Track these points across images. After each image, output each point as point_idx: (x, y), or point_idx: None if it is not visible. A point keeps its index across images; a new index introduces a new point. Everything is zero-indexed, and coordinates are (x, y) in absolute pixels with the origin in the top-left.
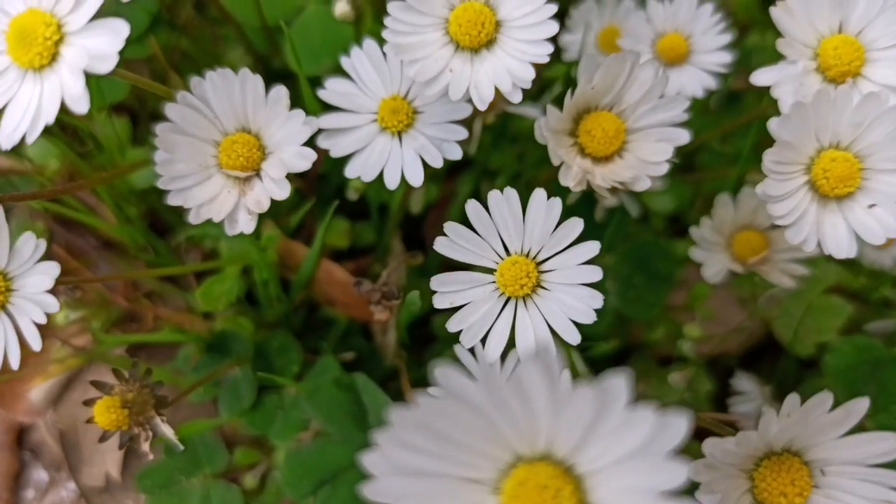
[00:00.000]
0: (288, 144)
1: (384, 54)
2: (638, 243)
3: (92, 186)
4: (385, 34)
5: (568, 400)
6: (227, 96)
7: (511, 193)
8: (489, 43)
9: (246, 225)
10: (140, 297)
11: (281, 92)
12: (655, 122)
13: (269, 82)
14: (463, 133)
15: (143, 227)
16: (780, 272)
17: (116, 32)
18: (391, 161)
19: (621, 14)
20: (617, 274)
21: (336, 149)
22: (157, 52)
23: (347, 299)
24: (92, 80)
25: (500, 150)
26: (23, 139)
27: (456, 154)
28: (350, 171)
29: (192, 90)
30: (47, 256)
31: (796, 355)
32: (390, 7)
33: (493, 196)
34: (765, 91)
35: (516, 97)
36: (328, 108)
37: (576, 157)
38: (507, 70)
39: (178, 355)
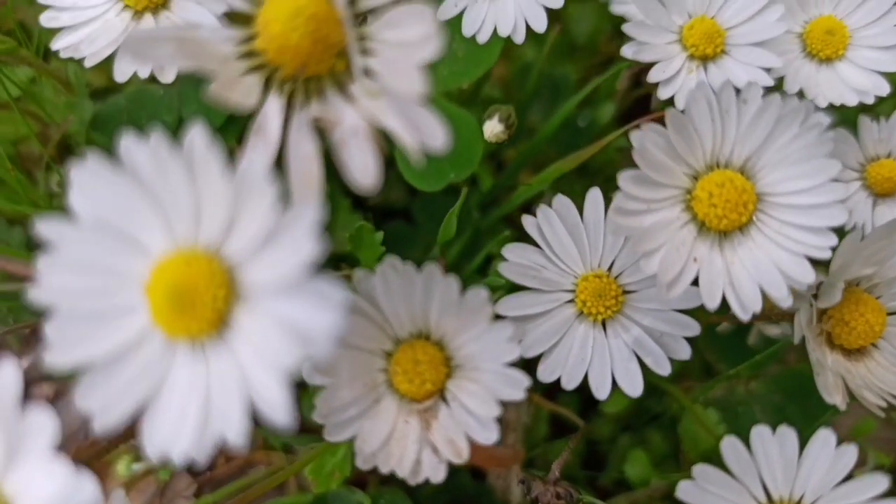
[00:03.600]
0: (486, 362)
1: (580, 215)
2: (792, 371)
3: None
4: (612, 215)
5: None
6: (404, 297)
7: (788, 434)
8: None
9: (434, 470)
10: None
11: (481, 297)
12: None
13: None
14: (695, 327)
15: None
16: None
17: (323, 302)
18: (596, 360)
19: None
20: (766, 404)
21: (525, 343)
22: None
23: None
24: None
25: None
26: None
27: (685, 353)
28: (543, 374)
29: (357, 287)
30: None
31: None
32: (621, 180)
33: (760, 434)
34: None
35: (787, 303)
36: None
37: (826, 352)
38: (776, 266)
39: None
